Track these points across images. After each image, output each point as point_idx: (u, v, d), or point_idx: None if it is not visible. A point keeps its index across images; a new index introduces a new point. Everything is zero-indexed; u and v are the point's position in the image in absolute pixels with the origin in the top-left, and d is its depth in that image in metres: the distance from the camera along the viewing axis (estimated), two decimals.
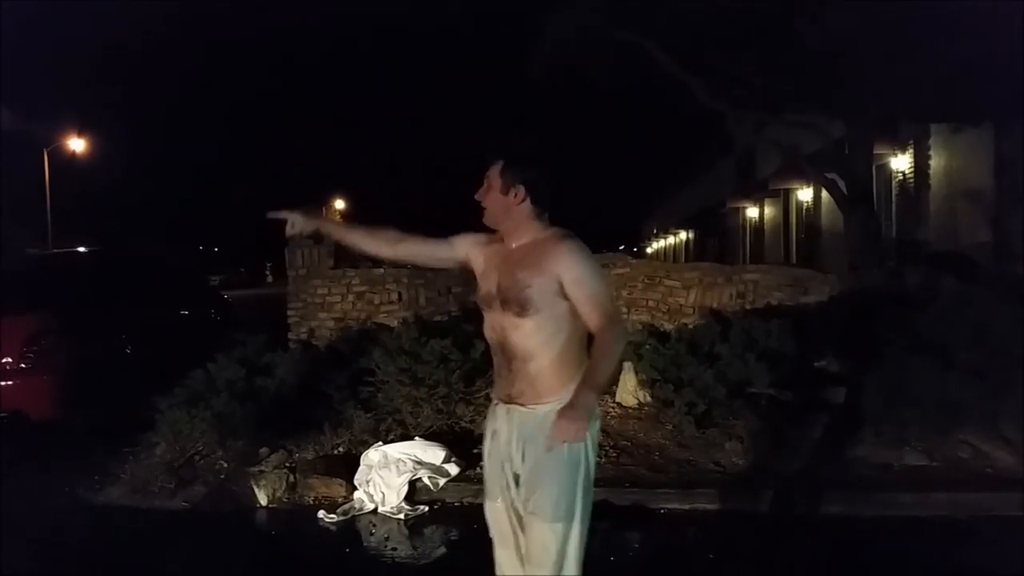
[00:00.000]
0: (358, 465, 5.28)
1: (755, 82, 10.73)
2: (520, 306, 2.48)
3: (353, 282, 8.73)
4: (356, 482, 5.19)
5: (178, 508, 5.18)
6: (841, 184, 10.93)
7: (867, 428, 5.52)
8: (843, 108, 10.69)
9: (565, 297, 2.47)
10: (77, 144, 26.25)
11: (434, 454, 5.32)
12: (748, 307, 7.48)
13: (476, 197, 2.62)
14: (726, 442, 5.53)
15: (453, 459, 5.33)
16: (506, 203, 2.55)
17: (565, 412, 2.29)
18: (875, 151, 12.01)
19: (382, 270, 9.10)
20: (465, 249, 2.75)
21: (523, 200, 2.54)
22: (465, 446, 5.64)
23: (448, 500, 5.12)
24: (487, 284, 2.62)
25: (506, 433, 2.58)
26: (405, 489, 5.07)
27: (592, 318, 2.45)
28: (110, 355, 7.00)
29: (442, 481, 5.19)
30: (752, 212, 24.24)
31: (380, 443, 5.45)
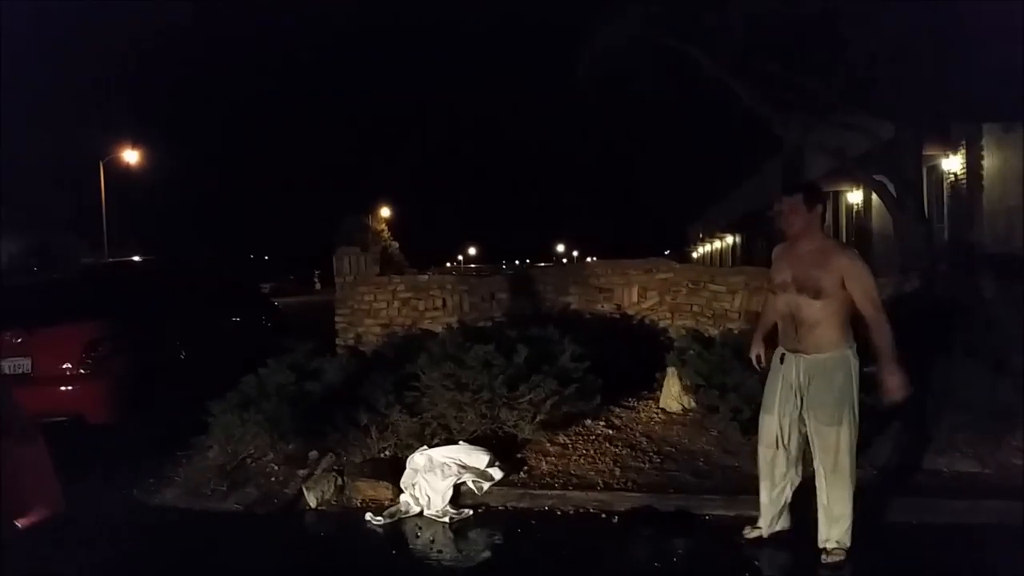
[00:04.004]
0: (404, 469, 5.36)
1: (801, 84, 10.62)
2: (815, 292, 3.87)
3: (399, 289, 8.86)
4: (402, 485, 5.27)
5: (231, 510, 5.30)
6: (891, 186, 10.74)
7: (917, 434, 5.43)
8: (892, 109, 10.52)
9: (844, 288, 3.83)
10: (131, 156, 26.93)
11: (478, 458, 5.37)
12: None
13: (779, 222, 4.07)
14: None
15: (497, 463, 5.38)
16: (808, 219, 3.96)
17: (888, 378, 3.80)
18: (925, 152, 11.80)
19: (426, 277, 9.22)
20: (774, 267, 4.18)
21: (821, 215, 4.04)
22: (508, 451, 5.69)
23: (492, 504, 5.16)
24: (782, 275, 4.04)
25: (795, 371, 4.00)
26: (450, 493, 5.12)
27: (866, 308, 3.84)
28: (164, 361, 7.19)
29: (486, 485, 5.23)
30: None
31: (425, 447, 5.53)
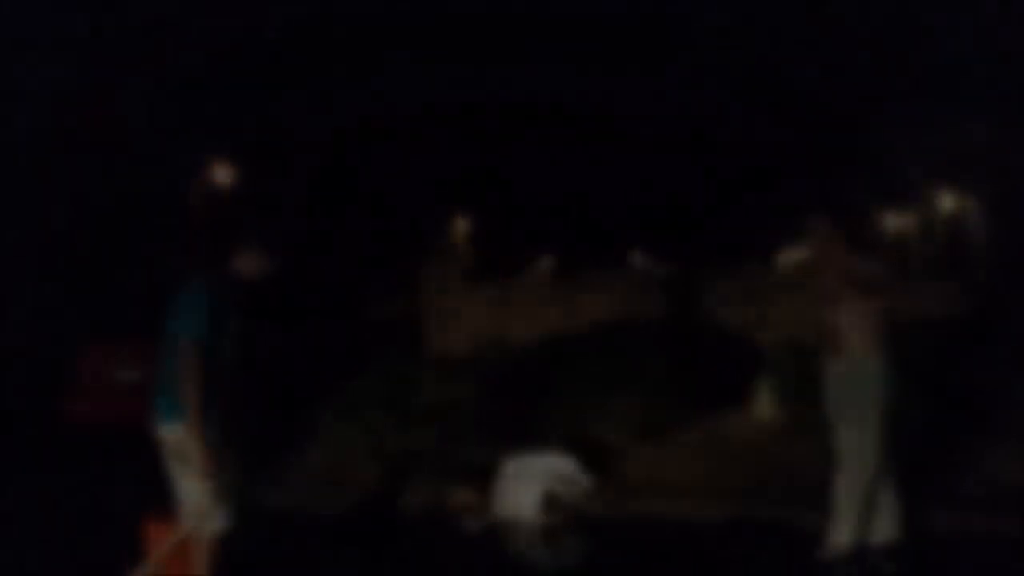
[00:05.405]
0: (495, 476, 5.45)
1: (890, 78, 10.34)
2: (829, 298, 4.06)
3: (485, 298, 8.98)
4: (494, 492, 5.37)
5: (332, 513, 5.48)
6: (988, 191, 10.35)
7: (1007, 444, 5.26)
8: (992, 108, 10.14)
9: (854, 287, 3.95)
10: (223, 174, 27.97)
11: (567, 466, 5.41)
12: None
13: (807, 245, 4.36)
14: None
15: (587, 471, 5.41)
16: (829, 239, 4.11)
17: None
18: None
19: (512, 287, 9.33)
20: None
21: (843, 235, 4.13)
22: (599, 459, 5.71)
23: (583, 511, 5.20)
24: (819, 293, 4.20)
25: (827, 376, 4.14)
26: (540, 500, 5.19)
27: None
28: (271, 370, 7.48)
29: (577, 493, 5.27)
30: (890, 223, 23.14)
31: (515, 454, 5.59)
